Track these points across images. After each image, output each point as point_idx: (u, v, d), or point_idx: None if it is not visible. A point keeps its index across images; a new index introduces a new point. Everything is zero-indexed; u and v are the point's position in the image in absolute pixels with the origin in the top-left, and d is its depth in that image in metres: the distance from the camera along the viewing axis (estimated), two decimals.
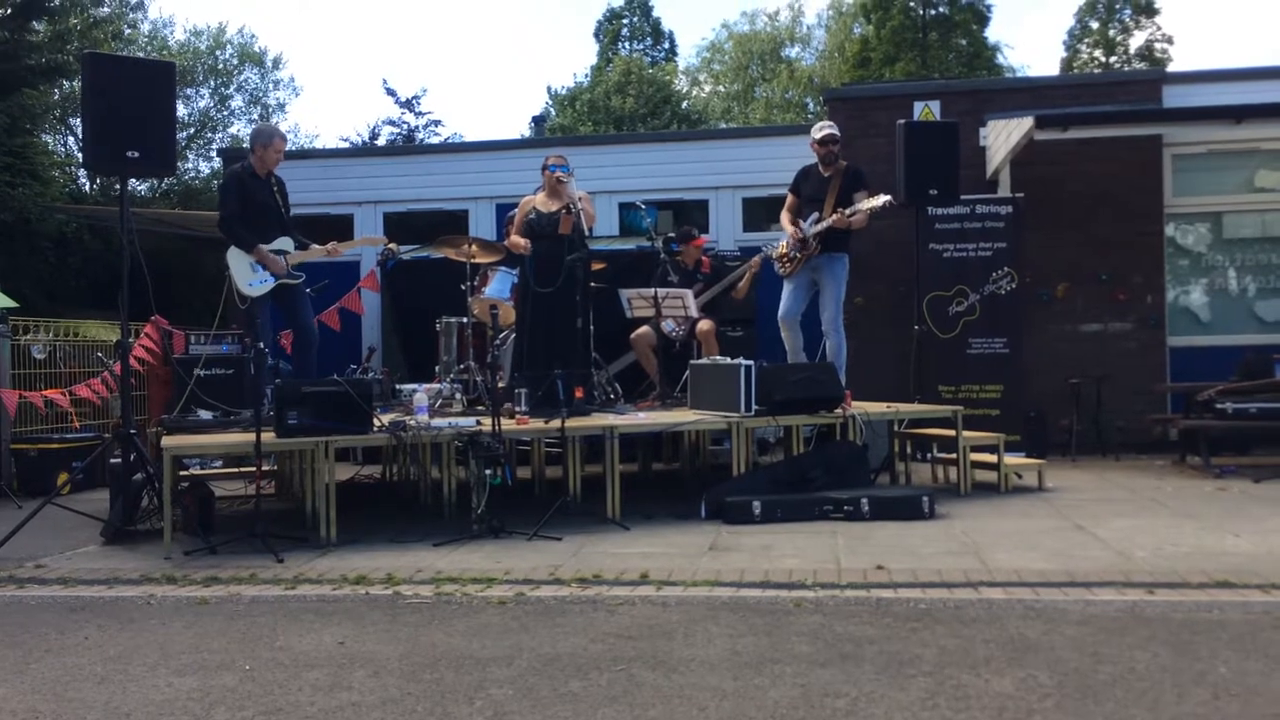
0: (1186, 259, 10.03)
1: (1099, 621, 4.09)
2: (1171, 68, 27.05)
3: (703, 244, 8.71)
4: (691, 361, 7.70)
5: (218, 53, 30.27)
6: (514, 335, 7.83)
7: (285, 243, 7.26)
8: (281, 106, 31.80)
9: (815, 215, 7.95)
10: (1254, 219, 9.93)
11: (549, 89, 38.92)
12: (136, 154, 6.42)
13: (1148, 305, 9.80)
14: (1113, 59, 34.81)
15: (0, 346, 8.95)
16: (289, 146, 7.96)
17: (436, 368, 8.10)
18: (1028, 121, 8.53)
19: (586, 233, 7.44)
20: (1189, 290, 10.04)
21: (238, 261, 7.11)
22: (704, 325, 8.17)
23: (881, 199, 7.73)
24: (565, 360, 7.14)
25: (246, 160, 7.40)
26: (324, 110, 54.33)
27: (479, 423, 6.30)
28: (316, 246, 7.36)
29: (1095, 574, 4.80)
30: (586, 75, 37.11)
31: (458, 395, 7.52)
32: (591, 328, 8.07)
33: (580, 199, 7.36)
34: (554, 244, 7.32)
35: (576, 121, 31.51)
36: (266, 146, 7.26)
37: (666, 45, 41.21)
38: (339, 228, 10.54)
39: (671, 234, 9.00)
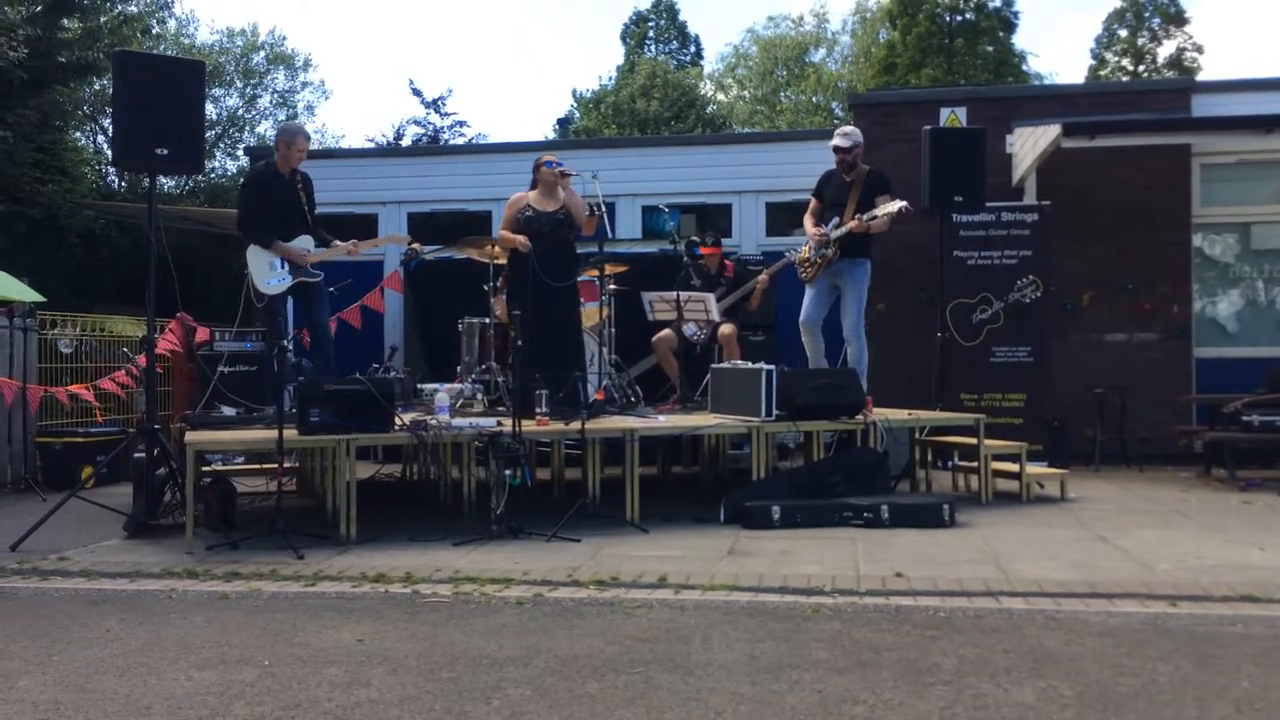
0: (1214, 269, 9.96)
1: (1121, 633, 4.06)
2: (1201, 77, 26.82)
3: (715, 253, 8.63)
4: (713, 365, 7.70)
5: (250, 54, 30.49)
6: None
7: (305, 241, 7.27)
8: (310, 108, 32.03)
9: (835, 220, 7.93)
10: None
11: (574, 91, 38.87)
12: (165, 151, 6.48)
13: (1174, 315, 9.73)
14: (1141, 68, 34.53)
15: (28, 341, 9.04)
16: (315, 146, 8.01)
17: (458, 368, 8.13)
18: (1055, 129, 8.48)
19: (610, 234, 7.42)
20: (1216, 301, 9.96)
21: (256, 259, 7.14)
22: (726, 329, 8.16)
23: (897, 205, 7.69)
24: (563, 360, 7.13)
25: (270, 159, 7.45)
26: (350, 110, 54.64)
27: (499, 423, 6.32)
28: (339, 244, 7.38)
29: (1117, 585, 4.77)
30: (612, 78, 37.16)
31: (479, 395, 7.53)
32: (612, 330, 8.09)
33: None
34: (554, 242, 7.27)
35: (601, 124, 31.53)
36: (290, 145, 7.29)
37: (692, 49, 41.21)
38: (363, 227, 10.61)
39: (695, 237, 8.99)
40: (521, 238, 7.24)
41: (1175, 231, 9.75)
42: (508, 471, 5.95)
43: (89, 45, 16.79)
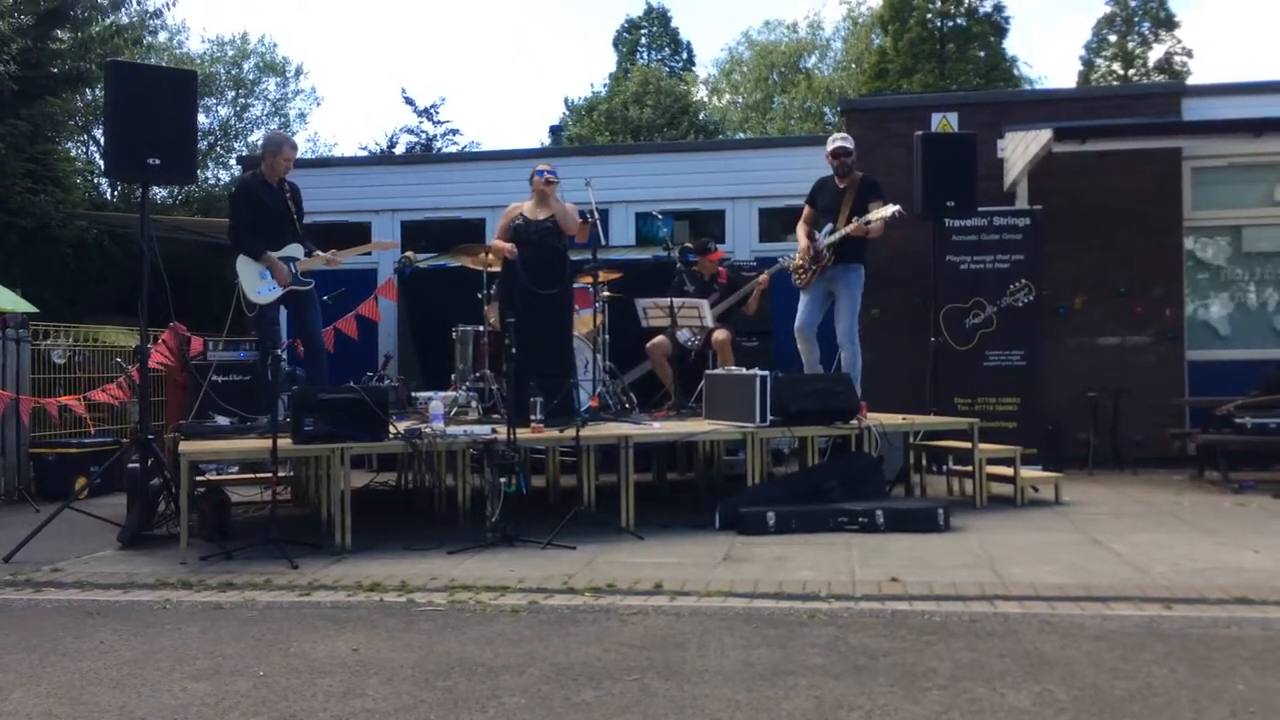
0: (1206, 272, 9.99)
1: (1116, 637, 4.06)
2: (1191, 81, 26.91)
3: (720, 257, 8.72)
4: (707, 371, 7.70)
5: (241, 62, 30.46)
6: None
7: (295, 249, 7.27)
8: (302, 116, 31.98)
9: (829, 226, 7.95)
10: (1274, 232, 9.88)
11: (566, 100, 38.93)
12: (157, 161, 6.48)
13: (1166, 318, 9.75)
14: (1131, 72, 34.63)
15: (20, 351, 9.02)
16: (308, 155, 8.03)
17: (452, 375, 8.13)
18: (1046, 134, 8.51)
19: (603, 241, 7.44)
20: (1208, 303, 9.99)
21: (246, 269, 7.14)
22: (720, 335, 8.17)
23: (890, 209, 7.71)
24: (557, 367, 7.12)
25: (258, 169, 7.46)
26: (343, 118, 54.65)
27: (494, 431, 6.32)
28: (319, 254, 7.37)
29: (1112, 589, 4.77)
30: (605, 85, 37.21)
31: (473, 403, 7.53)
32: (606, 337, 8.09)
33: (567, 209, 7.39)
34: (541, 250, 7.31)
35: (594, 131, 31.56)
36: (275, 155, 7.30)
37: (685, 55, 41.28)
38: (357, 235, 10.59)
39: (688, 244, 9.02)
40: (509, 245, 7.32)
41: (1167, 235, 9.78)
42: (502, 479, 5.94)
43: (81, 56, 16.77)
